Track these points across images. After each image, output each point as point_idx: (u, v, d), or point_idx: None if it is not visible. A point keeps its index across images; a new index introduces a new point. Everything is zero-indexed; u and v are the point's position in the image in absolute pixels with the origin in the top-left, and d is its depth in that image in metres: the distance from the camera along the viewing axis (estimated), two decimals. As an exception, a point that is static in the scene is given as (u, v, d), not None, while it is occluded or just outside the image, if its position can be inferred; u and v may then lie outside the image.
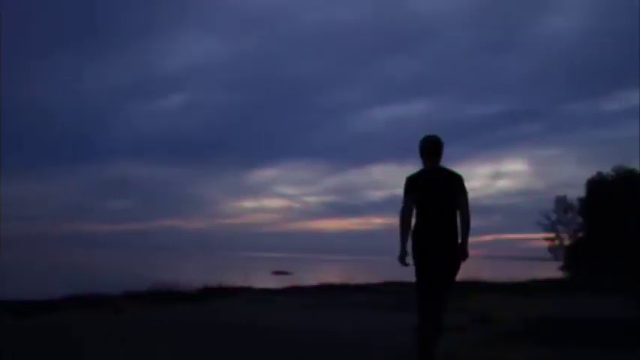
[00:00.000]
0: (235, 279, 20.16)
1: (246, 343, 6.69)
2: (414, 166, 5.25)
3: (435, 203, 4.99)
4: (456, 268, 5.02)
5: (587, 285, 17.92)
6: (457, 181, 5.05)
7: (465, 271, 5.21)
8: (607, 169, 54.27)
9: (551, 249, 67.74)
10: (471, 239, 5.01)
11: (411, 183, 5.08)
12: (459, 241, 4.97)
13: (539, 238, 69.64)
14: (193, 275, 28.19)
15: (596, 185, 53.14)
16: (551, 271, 46.65)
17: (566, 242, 64.12)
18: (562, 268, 55.87)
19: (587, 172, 70.01)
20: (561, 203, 64.36)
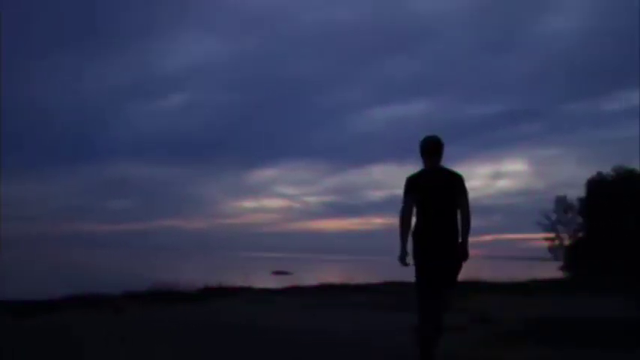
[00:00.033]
0: (235, 279, 20.15)
1: (247, 343, 6.69)
2: (414, 166, 5.27)
3: (436, 203, 5.00)
4: (456, 268, 5.02)
5: (587, 285, 17.92)
6: (457, 181, 5.05)
7: (465, 271, 5.21)
8: (607, 169, 54.33)
9: (551, 249, 67.76)
10: (471, 239, 5.02)
11: (412, 183, 5.08)
12: (460, 241, 4.98)
13: (539, 238, 69.74)
14: (193, 275, 28.17)
15: (596, 185, 53.14)
16: (551, 271, 46.67)
17: (566, 242, 64.14)
18: (562, 268, 55.87)
19: (587, 172, 70.12)
20: (561, 203, 64.39)
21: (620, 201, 47.21)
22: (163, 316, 9.15)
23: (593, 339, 6.84)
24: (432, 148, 5.16)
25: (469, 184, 5.11)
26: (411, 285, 5.34)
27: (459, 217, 5.01)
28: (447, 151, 5.19)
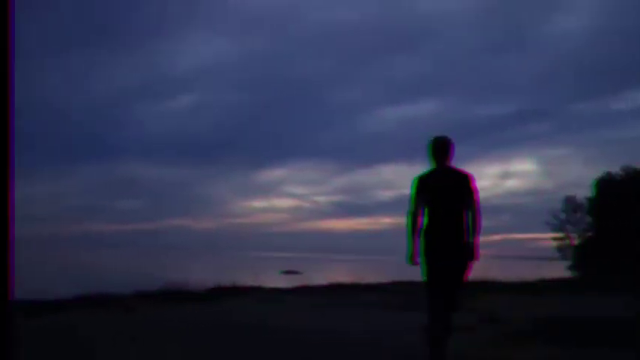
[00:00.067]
0: (245, 278, 20.24)
1: (257, 343, 6.72)
2: (423, 166, 5.30)
3: (445, 203, 5.03)
4: (465, 268, 5.05)
5: (595, 284, 17.85)
6: (467, 181, 5.08)
7: (474, 271, 5.24)
8: (616, 168, 54.05)
9: (559, 249, 67.50)
10: (480, 239, 5.04)
11: (421, 183, 5.12)
12: (469, 240, 5.01)
13: (547, 238, 69.42)
14: (203, 275, 28.27)
15: (605, 185, 52.89)
16: (560, 270, 46.56)
17: (575, 242, 63.87)
18: (571, 268, 55.68)
19: (595, 172, 69.75)
20: (570, 203, 64.13)
21: (628, 200, 46.99)
22: (173, 316, 9.20)
23: (602, 339, 6.84)
24: (441, 148, 5.19)
25: (478, 184, 5.14)
26: (420, 285, 5.37)
27: (468, 217, 5.04)
28: (456, 151, 5.23)
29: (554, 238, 67.33)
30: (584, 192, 68.06)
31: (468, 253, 5.00)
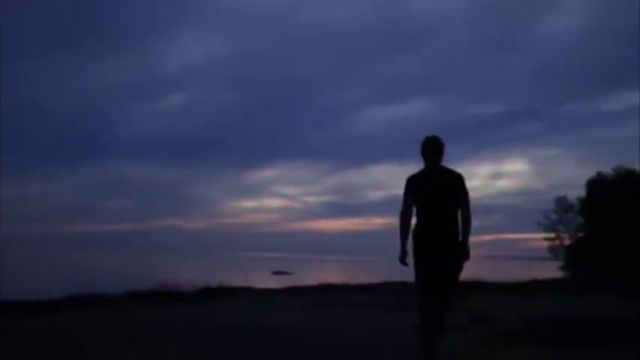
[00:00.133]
0: (235, 279, 20.15)
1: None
2: (414, 166, 5.28)
3: (436, 203, 5.01)
4: (457, 268, 5.03)
5: (587, 285, 17.91)
6: (458, 181, 5.07)
7: (465, 271, 5.21)
8: (607, 169, 54.41)
9: (551, 249, 67.72)
10: (471, 239, 5.03)
11: (412, 183, 5.10)
12: (461, 240, 4.99)
13: (539, 238, 69.62)
14: (193, 275, 28.18)
15: (597, 185, 53.17)
16: (552, 271, 46.61)
17: (567, 242, 64.17)
18: (562, 268, 55.84)
19: (587, 172, 70.03)
20: (561, 203, 64.39)
21: (620, 201, 47.21)
22: (165, 317, 9.15)
23: (593, 339, 6.85)
24: (432, 148, 5.17)
25: (469, 184, 5.13)
26: (411, 285, 5.35)
27: (459, 217, 5.02)
28: (447, 150, 5.21)
29: (546, 239, 67.64)
30: (575, 192, 68.42)
31: (460, 254, 4.98)
